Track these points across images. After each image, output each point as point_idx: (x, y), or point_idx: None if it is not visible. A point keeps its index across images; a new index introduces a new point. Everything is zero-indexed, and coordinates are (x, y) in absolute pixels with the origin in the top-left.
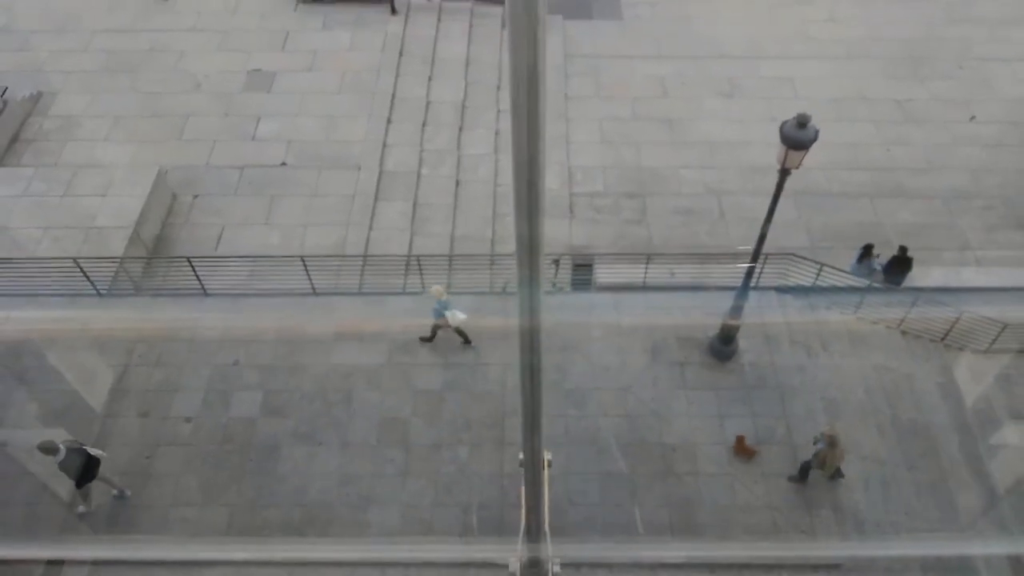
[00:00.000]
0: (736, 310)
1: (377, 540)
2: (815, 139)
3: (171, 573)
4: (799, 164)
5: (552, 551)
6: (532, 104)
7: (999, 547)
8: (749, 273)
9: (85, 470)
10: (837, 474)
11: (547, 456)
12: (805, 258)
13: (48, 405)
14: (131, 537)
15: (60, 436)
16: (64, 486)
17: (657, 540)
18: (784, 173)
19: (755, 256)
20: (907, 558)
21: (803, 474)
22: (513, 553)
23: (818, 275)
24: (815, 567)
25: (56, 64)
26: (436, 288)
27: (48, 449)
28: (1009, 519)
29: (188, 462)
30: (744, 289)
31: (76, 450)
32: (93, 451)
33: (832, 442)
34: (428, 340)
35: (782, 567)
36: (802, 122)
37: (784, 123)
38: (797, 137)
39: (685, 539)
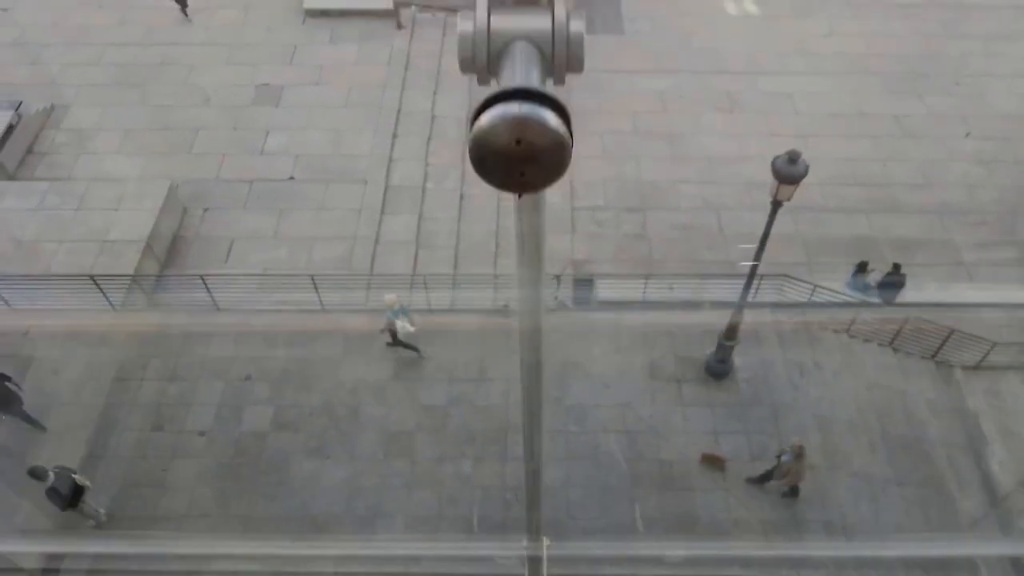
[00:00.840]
0: (732, 329)
1: (376, 537)
2: (805, 174)
3: (169, 569)
4: (790, 197)
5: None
6: None
7: (994, 548)
8: (744, 294)
9: (71, 497)
10: (793, 492)
11: (546, 542)
12: (799, 279)
13: (64, 419)
14: (128, 533)
15: (75, 449)
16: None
17: (654, 538)
18: (776, 205)
19: (749, 278)
20: (900, 559)
21: (764, 478)
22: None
23: (812, 294)
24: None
25: (68, 77)
26: (389, 297)
27: (38, 474)
28: (998, 534)
29: (202, 475)
30: (739, 309)
31: (64, 477)
32: (80, 479)
33: (799, 454)
34: (392, 344)
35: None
36: (792, 158)
37: (776, 158)
38: (788, 172)
39: (681, 537)
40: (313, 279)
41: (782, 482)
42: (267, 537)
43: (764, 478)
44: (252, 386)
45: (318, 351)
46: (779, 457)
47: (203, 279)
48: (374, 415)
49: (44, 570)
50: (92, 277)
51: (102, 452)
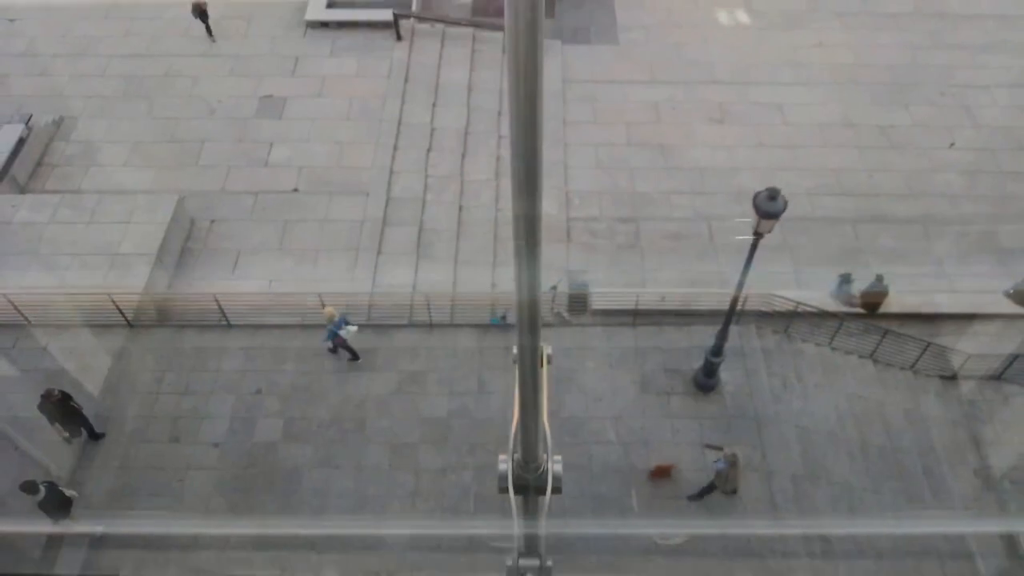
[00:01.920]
0: (718, 346)
1: (373, 518)
2: (784, 210)
3: (169, 548)
4: (771, 229)
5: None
6: (531, 113)
7: (985, 526)
8: (731, 311)
9: (61, 508)
10: (733, 492)
11: (547, 350)
12: (783, 296)
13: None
14: (128, 513)
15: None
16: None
17: (647, 519)
18: (758, 237)
19: (732, 308)
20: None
21: (703, 493)
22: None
23: (795, 310)
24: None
25: (76, 89)
26: (328, 310)
27: (30, 489)
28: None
29: (216, 485)
30: (725, 327)
31: (54, 491)
32: (68, 492)
33: (733, 461)
34: (333, 351)
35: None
36: (772, 195)
37: (757, 194)
38: (768, 209)
39: (674, 517)
40: (320, 296)
41: (726, 489)
42: (263, 518)
43: (707, 491)
44: (263, 399)
45: (325, 366)
46: (715, 462)
47: (216, 299)
48: (380, 427)
49: (49, 537)
50: (110, 295)
51: (123, 463)
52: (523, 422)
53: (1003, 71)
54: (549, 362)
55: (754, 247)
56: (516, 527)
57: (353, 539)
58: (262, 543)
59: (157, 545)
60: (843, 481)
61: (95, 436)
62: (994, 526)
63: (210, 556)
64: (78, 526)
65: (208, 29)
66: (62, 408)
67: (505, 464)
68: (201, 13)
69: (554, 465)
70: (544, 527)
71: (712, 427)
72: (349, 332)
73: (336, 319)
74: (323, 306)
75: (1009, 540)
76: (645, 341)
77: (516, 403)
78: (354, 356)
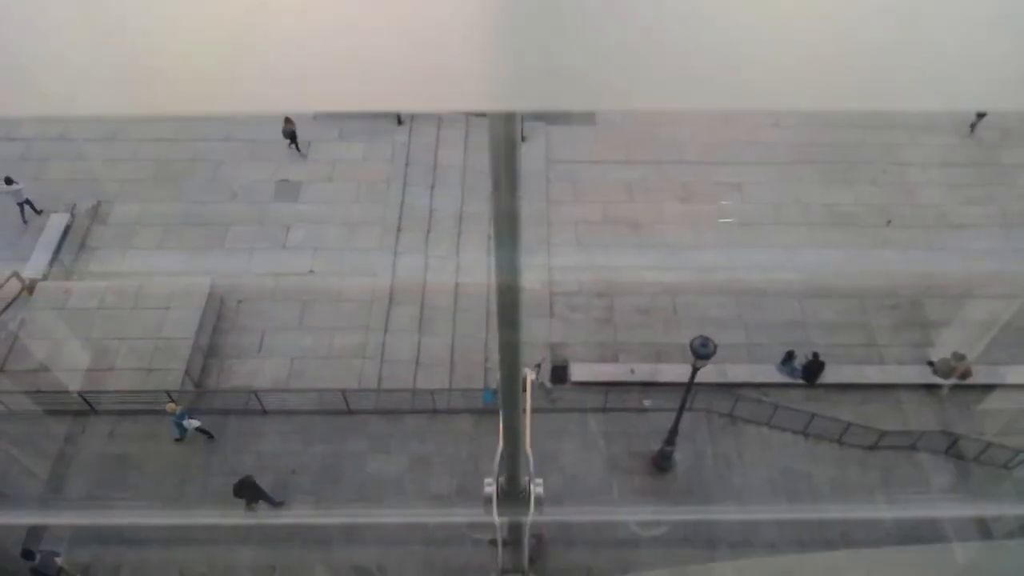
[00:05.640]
0: (672, 435)
1: (356, 506)
2: (714, 353)
3: (149, 544)
4: (704, 364)
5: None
6: (510, 192)
7: (959, 510)
8: (682, 405)
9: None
10: None
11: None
12: (728, 383)
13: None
14: (110, 503)
15: None
16: None
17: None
18: (695, 370)
19: (681, 410)
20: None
21: None
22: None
23: (735, 404)
24: None
25: (110, 173)
26: (170, 406)
27: (28, 555)
28: None
29: (259, 555)
30: (676, 422)
31: (48, 558)
32: (61, 562)
33: None
34: (180, 440)
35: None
36: (704, 343)
37: (693, 340)
38: (702, 352)
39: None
40: (344, 394)
41: None
42: (247, 510)
43: None
44: (297, 479)
45: (348, 448)
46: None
47: (256, 395)
48: (395, 504)
49: (30, 528)
50: (168, 392)
51: (182, 536)
52: (507, 447)
53: (938, 149)
54: (532, 387)
55: (692, 379)
56: (499, 552)
57: (341, 534)
58: (249, 538)
59: (136, 541)
60: (772, 548)
61: (276, 504)
62: (968, 510)
63: (193, 552)
64: (56, 516)
65: (296, 147)
66: (255, 489)
67: (490, 487)
68: (291, 134)
69: (536, 488)
70: (527, 546)
71: (665, 503)
72: (191, 425)
73: (178, 412)
74: (170, 401)
75: (982, 523)
76: (614, 426)
77: (500, 429)
78: (210, 436)
